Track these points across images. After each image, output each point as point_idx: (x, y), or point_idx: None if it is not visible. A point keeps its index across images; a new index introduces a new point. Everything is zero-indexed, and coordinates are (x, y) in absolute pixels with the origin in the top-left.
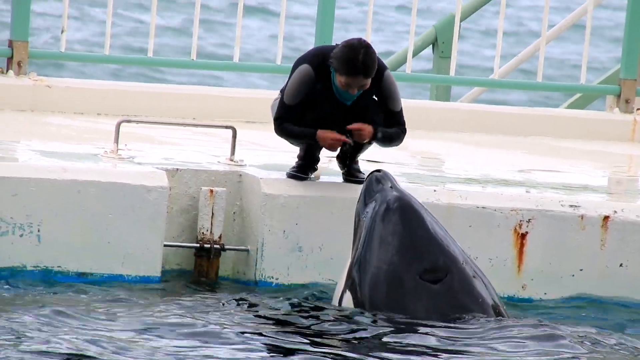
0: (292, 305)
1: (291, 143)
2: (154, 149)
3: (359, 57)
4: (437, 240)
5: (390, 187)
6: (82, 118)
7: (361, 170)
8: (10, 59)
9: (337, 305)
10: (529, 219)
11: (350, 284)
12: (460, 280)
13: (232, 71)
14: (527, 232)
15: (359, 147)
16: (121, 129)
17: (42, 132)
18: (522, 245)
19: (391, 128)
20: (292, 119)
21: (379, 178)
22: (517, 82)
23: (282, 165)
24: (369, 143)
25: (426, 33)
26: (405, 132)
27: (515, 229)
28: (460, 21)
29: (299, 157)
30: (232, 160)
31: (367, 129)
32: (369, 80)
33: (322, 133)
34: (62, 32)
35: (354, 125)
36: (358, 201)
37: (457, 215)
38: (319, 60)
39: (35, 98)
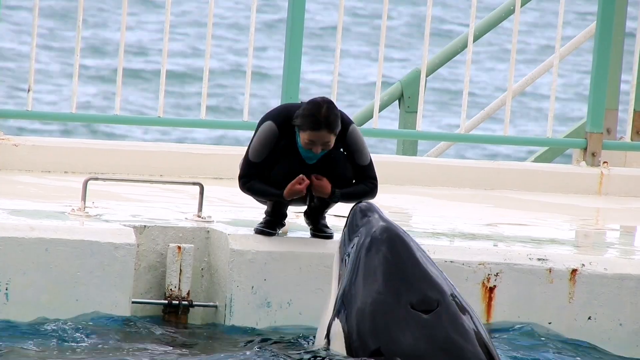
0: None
1: (257, 200)
2: (122, 206)
3: (321, 111)
4: (427, 271)
5: (377, 217)
6: (50, 176)
7: (328, 225)
8: None
9: (323, 337)
10: (497, 273)
11: (338, 314)
12: (450, 312)
13: (200, 128)
14: (495, 286)
15: (326, 203)
16: (88, 187)
17: (9, 190)
18: (490, 299)
19: (360, 183)
20: (257, 176)
21: (363, 209)
22: (484, 136)
23: (249, 221)
24: (332, 201)
25: (392, 88)
26: (376, 185)
27: (484, 282)
28: (426, 76)
29: (267, 212)
30: (199, 216)
31: (327, 186)
32: (333, 137)
33: (287, 189)
34: (29, 91)
35: (315, 177)
36: (342, 235)
37: None
38: (283, 118)
39: (1, 157)
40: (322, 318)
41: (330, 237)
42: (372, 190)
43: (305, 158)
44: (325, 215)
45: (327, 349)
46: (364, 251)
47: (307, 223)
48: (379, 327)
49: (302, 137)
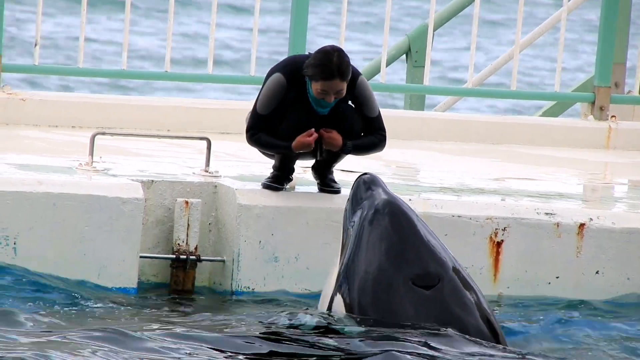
0: (273, 314)
1: (264, 154)
2: (129, 161)
3: (333, 60)
4: (429, 245)
5: (380, 190)
6: (57, 131)
7: (336, 180)
8: None
9: (325, 309)
10: (504, 227)
11: (340, 288)
12: (452, 287)
13: (206, 82)
14: (502, 241)
15: (334, 156)
16: (96, 142)
17: (17, 145)
18: (497, 253)
19: (369, 135)
20: (265, 129)
21: (367, 181)
22: (491, 91)
23: (257, 176)
24: (343, 153)
25: (399, 42)
26: (385, 137)
27: (491, 237)
28: (434, 30)
29: (274, 167)
30: (207, 171)
31: (337, 138)
32: (345, 85)
33: (296, 141)
34: (36, 45)
35: (325, 131)
36: (346, 206)
37: (433, 224)
38: (291, 69)
39: (9, 111)
40: (325, 290)
41: (337, 191)
42: (381, 142)
43: (316, 108)
44: (333, 170)
45: (327, 318)
46: (366, 225)
47: (315, 178)
48: (379, 303)
49: (315, 87)
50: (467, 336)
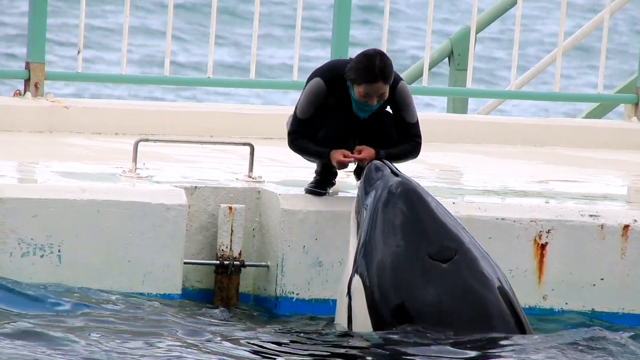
0: (308, 324)
1: (305, 159)
2: (172, 167)
3: (375, 63)
4: (443, 221)
5: (391, 172)
6: (100, 138)
7: None
8: (27, 81)
9: (344, 295)
10: (548, 230)
11: (357, 269)
12: (469, 260)
13: (248, 88)
14: (547, 243)
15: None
16: (139, 148)
17: (61, 153)
18: (542, 255)
19: (405, 141)
20: (305, 134)
21: (378, 166)
22: (534, 93)
23: (300, 181)
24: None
25: (442, 45)
26: (420, 144)
27: (535, 239)
28: (476, 33)
29: (317, 172)
30: (250, 176)
31: (369, 153)
32: (387, 88)
33: (333, 153)
34: (79, 52)
35: (357, 150)
36: (358, 192)
37: (477, 227)
38: (331, 74)
39: (52, 119)
40: (343, 275)
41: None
42: (415, 149)
43: (357, 113)
44: None
45: (347, 334)
46: (380, 205)
47: (357, 181)
48: (399, 280)
49: (357, 91)
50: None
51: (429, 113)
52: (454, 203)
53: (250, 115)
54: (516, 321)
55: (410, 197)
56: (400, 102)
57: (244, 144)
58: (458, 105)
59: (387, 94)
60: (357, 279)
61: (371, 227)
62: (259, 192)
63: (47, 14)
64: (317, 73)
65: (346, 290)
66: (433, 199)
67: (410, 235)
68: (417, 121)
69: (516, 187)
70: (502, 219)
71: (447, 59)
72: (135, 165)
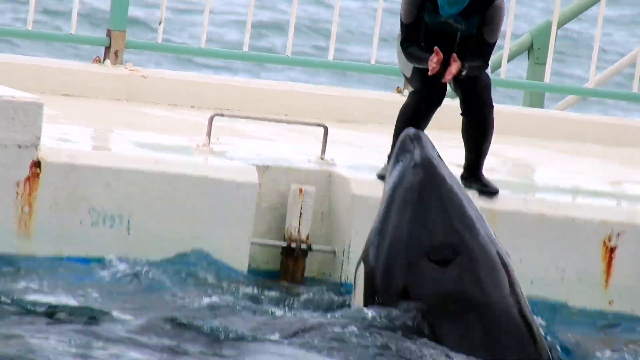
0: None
1: (416, 65)
2: (245, 144)
3: None
4: (454, 214)
5: (419, 151)
6: (176, 110)
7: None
8: (107, 48)
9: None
10: (618, 233)
11: (365, 253)
12: (471, 263)
13: (327, 68)
14: (616, 246)
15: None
16: (214, 123)
17: (136, 122)
18: (610, 259)
19: (477, 58)
20: (414, 39)
21: (412, 137)
22: (613, 92)
23: (372, 165)
24: (459, 75)
25: (522, 38)
26: (487, 67)
27: (605, 242)
28: (557, 28)
29: (390, 157)
30: (322, 158)
31: (456, 66)
32: None
33: (431, 61)
34: (160, 23)
35: (453, 59)
36: (389, 157)
37: (546, 226)
38: None
39: (130, 88)
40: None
41: (496, 192)
42: (480, 69)
43: (443, 13)
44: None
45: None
46: (393, 187)
47: (468, 184)
48: (393, 279)
49: None
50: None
51: (505, 106)
52: (525, 199)
53: (326, 96)
54: (523, 336)
55: (425, 184)
56: (489, 17)
57: (318, 125)
58: (535, 99)
59: None
60: (361, 266)
61: (383, 210)
62: (330, 175)
63: None
64: None
65: (355, 271)
66: (456, 188)
67: (414, 230)
68: (495, 43)
69: (589, 187)
70: (572, 218)
71: (526, 52)
72: (209, 139)
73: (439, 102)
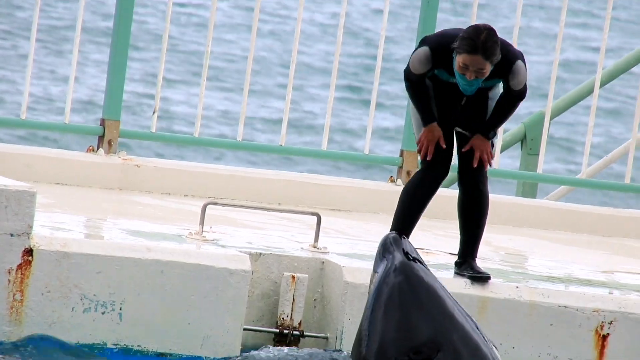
0: None
1: (412, 103)
2: (239, 232)
3: (480, 36)
4: (434, 312)
5: (402, 253)
6: (170, 198)
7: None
8: (101, 137)
9: None
10: (611, 321)
11: (354, 347)
12: (455, 358)
13: (321, 158)
14: (608, 334)
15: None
16: (207, 211)
17: (129, 211)
18: (603, 347)
19: (502, 102)
20: (419, 84)
21: (391, 241)
22: (605, 183)
23: (365, 253)
24: (490, 137)
25: (515, 129)
26: (520, 98)
27: (597, 330)
28: (550, 119)
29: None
30: (315, 247)
31: (484, 148)
32: (488, 66)
33: (426, 130)
34: (154, 112)
35: (468, 148)
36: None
37: (539, 314)
38: (438, 42)
39: (124, 177)
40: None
41: (488, 278)
42: (511, 103)
43: (461, 87)
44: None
45: None
46: (380, 286)
47: (459, 272)
48: None
49: (458, 61)
50: None
51: (497, 195)
52: (517, 287)
53: (319, 185)
54: None
55: (403, 289)
56: (512, 75)
57: (312, 214)
58: (528, 189)
59: (486, 72)
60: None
61: (366, 310)
62: (323, 262)
63: (125, 73)
64: (426, 40)
65: None
66: (430, 288)
67: (393, 333)
68: (523, 89)
69: (581, 276)
70: (565, 306)
71: (519, 142)
72: (202, 228)
73: (444, 174)
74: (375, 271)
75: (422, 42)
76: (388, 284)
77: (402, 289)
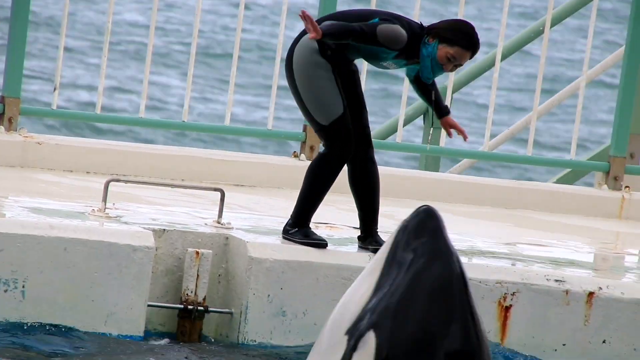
0: None
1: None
2: (142, 208)
3: (475, 34)
4: (476, 321)
5: (441, 245)
6: (72, 176)
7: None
8: (1, 115)
9: (343, 342)
10: (513, 292)
11: (374, 326)
12: None
13: (224, 134)
14: (511, 305)
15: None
16: (110, 188)
17: (31, 188)
18: (505, 318)
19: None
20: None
21: (430, 226)
22: (507, 155)
23: (269, 228)
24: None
25: (418, 103)
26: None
27: (500, 301)
28: (452, 92)
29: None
30: (219, 222)
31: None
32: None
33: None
34: (55, 89)
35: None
36: (398, 232)
37: None
38: (411, 30)
39: (25, 154)
40: (341, 313)
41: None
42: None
43: (425, 74)
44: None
45: None
46: (418, 276)
47: (364, 245)
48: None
49: (444, 51)
50: None
51: (400, 169)
52: None
53: (222, 160)
54: None
55: (452, 286)
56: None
57: (215, 189)
58: (431, 163)
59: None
60: (371, 335)
61: (404, 289)
62: (227, 238)
63: (25, 48)
64: (391, 21)
65: (344, 334)
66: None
67: (439, 325)
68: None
69: (483, 248)
70: (469, 279)
71: (422, 116)
72: (105, 205)
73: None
74: (405, 245)
75: (386, 20)
76: (433, 279)
77: (451, 289)
